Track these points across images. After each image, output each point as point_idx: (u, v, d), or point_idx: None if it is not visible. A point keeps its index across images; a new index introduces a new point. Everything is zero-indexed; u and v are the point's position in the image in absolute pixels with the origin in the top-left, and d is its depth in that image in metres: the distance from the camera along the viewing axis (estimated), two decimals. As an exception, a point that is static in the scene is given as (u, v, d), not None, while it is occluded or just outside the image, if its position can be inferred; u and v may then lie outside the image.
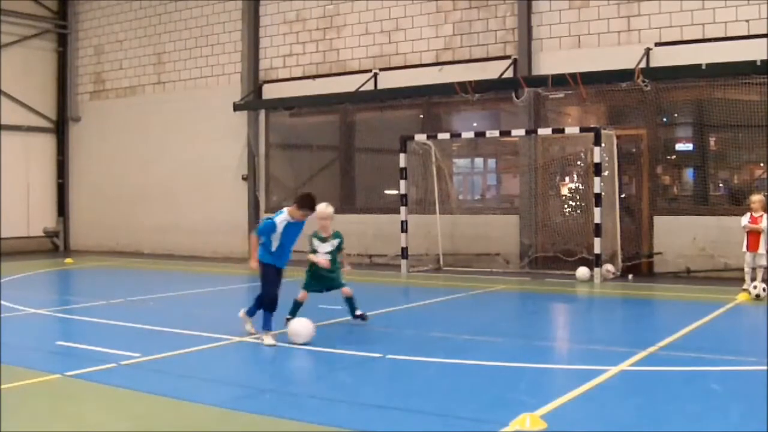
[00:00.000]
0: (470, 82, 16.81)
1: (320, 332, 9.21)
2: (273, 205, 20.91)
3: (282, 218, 8.66)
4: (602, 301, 13.19)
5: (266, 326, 8.62)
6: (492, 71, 16.92)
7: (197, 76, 22.06)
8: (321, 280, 9.53)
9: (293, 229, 8.72)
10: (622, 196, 15.96)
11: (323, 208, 9.43)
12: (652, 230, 15.70)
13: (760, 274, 12.48)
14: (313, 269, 9.51)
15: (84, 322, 10.61)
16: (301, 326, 8.56)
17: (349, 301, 9.65)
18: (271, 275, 8.74)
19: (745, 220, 12.58)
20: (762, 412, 5.79)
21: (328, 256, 9.42)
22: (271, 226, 8.63)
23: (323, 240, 9.51)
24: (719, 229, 14.72)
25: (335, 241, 9.53)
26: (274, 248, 8.65)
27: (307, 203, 8.79)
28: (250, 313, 9.10)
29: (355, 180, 19.72)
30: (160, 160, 22.60)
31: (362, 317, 9.63)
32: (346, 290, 9.59)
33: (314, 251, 9.46)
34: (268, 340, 8.50)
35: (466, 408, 6.11)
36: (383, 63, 18.81)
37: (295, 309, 9.50)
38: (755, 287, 11.82)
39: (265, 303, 8.71)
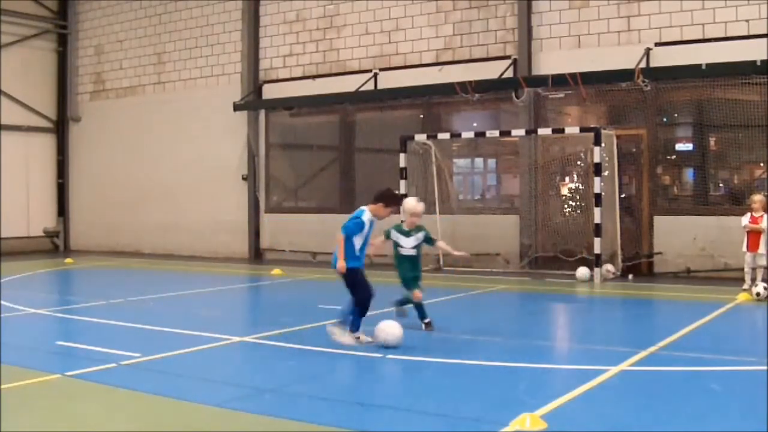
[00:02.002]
0: (470, 82, 16.81)
1: (320, 332, 9.21)
2: (273, 205, 20.94)
3: (368, 217, 8.35)
4: (602, 301, 13.18)
5: (355, 327, 8.36)
6: (492, 71, 16.92)
7: (197, 76, 22.06)
8: (411, 274, 9.11)
9: (372, 228, 8.47)
10: (622, 196, 15.96)
11: (414, 203, 9.15)
12: (652, 230, 15.71)
13: (760, 274, 12.48)
14: (400, 263, 9.11)
15: (84, 322, 10.60)
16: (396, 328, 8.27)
17: (418, 307, 9.20)
18: (361, 278, 8.38)
19: (745, 220, 12.59)
20: (762, 412, 5.79)
21: (414, 251, 9.07)
22: (361, 225, 8.31)
23: (407, 234, 9.11)
24: (719, 229, 14.72)
25: (420, 235, 9.10)
26: (357, 249, 8.36)
27: (394, 200, 8.56)
28: (355, 327, 8.45)
29: (355, 180, 19.71)
30: (160, 160, 22.60)
31: (428, 320, 9.20)
32: (417, 294, 9.08)
33: (396, 244, 9.09)
34: (347, 339, 8.28)
35: (466, 408, 6.10)
36: (383, 63, 18.81)
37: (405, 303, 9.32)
38: (756, 286, 11.79)
39: (362, 308, 8.36)
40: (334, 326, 8.56)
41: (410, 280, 9.12)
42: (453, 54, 17.91)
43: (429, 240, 9.18)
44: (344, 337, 8.37)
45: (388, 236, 9.16)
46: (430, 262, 17.31)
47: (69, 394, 6.69)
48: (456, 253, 9.50)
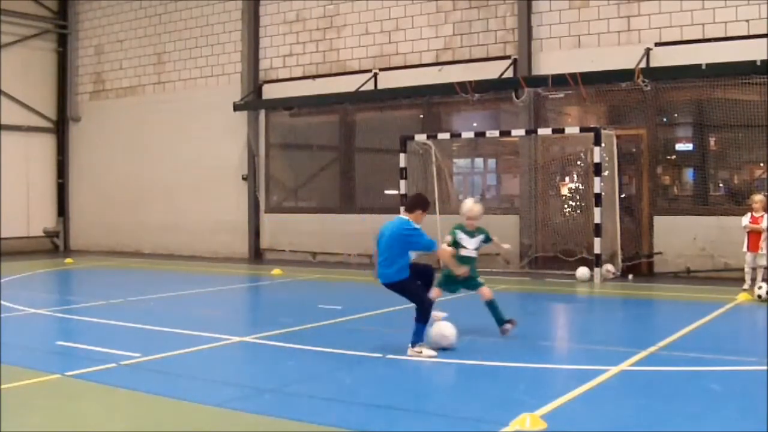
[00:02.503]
0: (470, 82, 16.81)
1: (320, 332, 9.23)
2: (273, 205, 20.94)
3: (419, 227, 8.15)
4: (602, 301, 13.19)
5: (420, 338, 7.98)
6: (492, 71, 16.92)
7: (197, 76, 22.06)
8: (457, 279, 8.87)
9: None
10: (622, 196, 15.95)
11: (471, 205, 8.97)
12: (652, 230, 15.70)
13: (760, 274, 12.48)
14: (460, 257, 8.85)
15: (84, 322, 10.61)
16: (449, 329, 8.17)
17: (491, 307, 8.89)
18: (416, 286, 8.13)
19: (745, 220, 12.59)
20: (762, 412, 5.79)
21: (475, 253, 8.92)
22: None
23: (471, 235, 8.89)
24: (719, 229, 14.72)
25: (481, 236, 8.94)
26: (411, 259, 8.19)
27: (428, 204, 8.50)
28: (420, 338, 8.04)
29: (355, 180, 19.71)
30: (160, 160, 22.60)
31: (508, 325, 8.89)
32: (486, 291, 8.87)
33: (457, 245, 8.83)
34: (428, 351, 7.88)
35: (467, 408, 6.11)
36: (383, 63, 18.81)
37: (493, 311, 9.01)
38: (760, 287, 11.77)
39: (426, 316, 8.02)
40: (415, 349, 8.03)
41: (465, 280, 8.86)
42: (453, 54, 17.91)
43: (488, 240, 9.06)
44: (424, 351, 7.95)
45: (454, 239, 8.88)
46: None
47: (69, 394, 6.69)
48: (504, 246, 9.46)
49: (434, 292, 8.59)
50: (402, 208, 16.41)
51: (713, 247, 14.85)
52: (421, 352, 7.84)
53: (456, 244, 8.86)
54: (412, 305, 8.14)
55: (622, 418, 5.87)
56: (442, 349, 8.02)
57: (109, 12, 23.95)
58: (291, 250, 20.11)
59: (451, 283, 8.96)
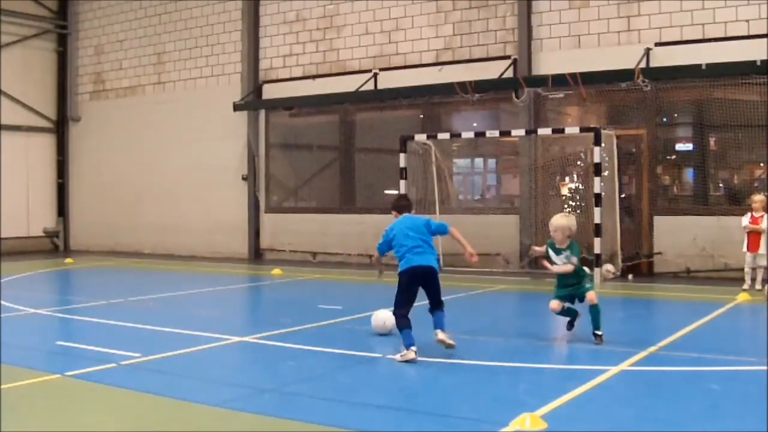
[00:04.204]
0: (470, 82, 16.81)
1: (320, 332, 9.23)
2: (273, 205, 20.95)
3: None
4: (602, 301, 13.06)
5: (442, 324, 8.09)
6: (492, 71, 16.92)
7: (197, 76, 22.07)
8: (565, 288, 8.72)
9: None
10: (622, 196, 15.95)
11: (556, 218, 8.78)
12: (652, 230, 15.71)
13: (760, 274, 12.48)
14: (558, 278, 8.76)
15: (84, 322, 10.61)
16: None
17: (592, 310, 8.68)
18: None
19: (745, 220, 12.59)
20: (762, 412, 5.79)
21: (568, 267, 8.58)
22: None
23: (558, 252, 8.66)
24: (719, 229, 14.72)
25: (567, 253, 8.61)
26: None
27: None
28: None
29: (355, 180, 19.72)
30: (160, 160, 22.61)
31: (599, 337, 8.65)
32: (591, 296, 8.65)
33: (552, 262, 8.69)
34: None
35: (466, 408, 6.11)
36: (383, 63, 18.82)
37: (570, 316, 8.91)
38: (761, 288, 11.76)
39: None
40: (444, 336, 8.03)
41: (560, 298, 8.74)
42: (453, 54, 17.91)
43: (576, 254, 8.69)
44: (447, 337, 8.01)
45: (547, 253, 8.77)
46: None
47: (69, 394, 6.69)
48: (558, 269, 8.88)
49: (554, 304, 8.65)
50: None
51: (713, 247, 14.85)
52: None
53: (549, 258, 8.77)
54: (412, 307, 8.11)
55: (622, 418, 5.86)
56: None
57: (109, 12, 23.96)
58: (291, 250, 20.11)
59: (564, 295, 8.77)
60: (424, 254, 8.07)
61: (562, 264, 8.63)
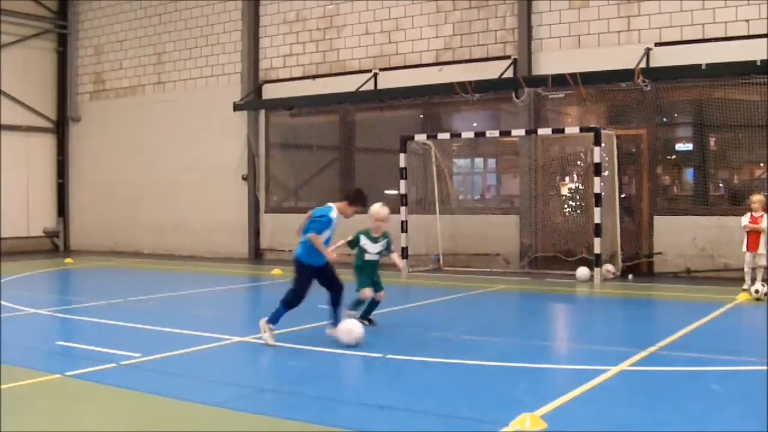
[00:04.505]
0: (470, 82, 16.81)
1: (320, 332, 9.22)
2: (273, 205, 20.95)
3: (335, 215, 8.54)
4: (602, 301, 13.18)
5: (275, 319, 8.56)
6: (492, 71, 16.92)
7: (197, 76, 22.07)
8: (369, 277, 9.44)
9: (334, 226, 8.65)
10: (622, 196, 15.96)
11: (378, 208, 9.37)
12: (652, 230, 15.71)
13: (760, 274, 12.48)
14: (363, 267, 9.45)
15: (84, 322, 10.61)
16: (355, 327, 8.47)
17: (374, 305, 9.52)
18: (306, 275, 8.62)
19: (745, 220, 12.58)
20: (762, 412, 5.79)
21: (377, 257, 9.39)
22: (328, 223, 8.49)
23: (375, 240, 9.40)
24: (719, 229, 14.72)
25: (384, 242, 9.42)
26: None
27: (361, 200, 8.78)
28: (276, 319, 8.70)
29: (355, 180, 19.69)
30: (160, 160, 22.61)
31: (370, 321, 9.46)
32: (381, 295, 9.49)
33: (359, 248, 9.41)
34: (269, 337, 8.46)
35: (466, 408, 6.11)
36: (383, 63, 18.82)
37: (371, 308, 9.53)
38: (757, 291, 11.74)
39: (289, 300, 8.61)
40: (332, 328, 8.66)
41: (370, 285, 9.39)
42: (453, 54, 17.91)
43: (389, 249, 9.45)
44: (267, 334, 8.50)
45: (356, 242, 9.42)
46: (429, 262, 17.32)
47: (69, 394, 6.69)
48: (398, 262, 9.73)
49: (367, 292, 9.27)
50: (402, 208, 16.59)
51: (713, 247, 14.85)
52: (265, 335, 8.39)
53: (355, 245, 9.43)
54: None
55: (622, 418, 5.86)
56: (349, 346, 8.26)
57: (109, 12, 23.95)
58: (291, 250, 20.01)
59: (365, 278, 9.42)
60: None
61: (375, 252, 9.37)
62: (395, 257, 9.58)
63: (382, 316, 10.38)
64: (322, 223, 8.46)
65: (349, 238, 9.48)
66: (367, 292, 9.32)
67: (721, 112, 14.93)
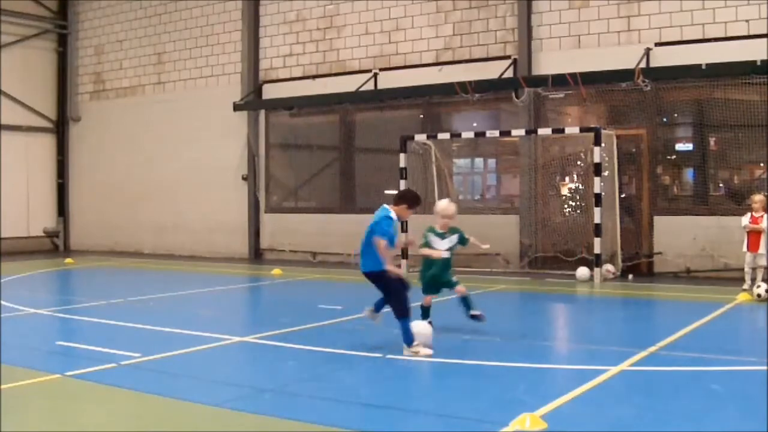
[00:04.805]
0: (470, 82, 16.81)
1: (320, 332, 9.23)
2: (273, 205, 20.95)
3: (394, 216, 8.06)
4: (602, 301, 13.18)
5: (409, 338, 7.91)
6: (492, 71, 16.92)
7: (197, 76, 22.07)
8: (436, 280, 9.03)
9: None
10: (622, 196, 15.95)
11: (446, 205, 8.99)
12: (652, 230, 15.71)
13: (760, 274, 12.47)
14: (427, 271, 9.02)
15: (84, 322, 10.61)
16: (425, 328, 8.22)
17: (465, 301, 9.08)
18: (388, 278, 7.98)
19: (745, 220, 12.58)
20: (762, 412, 5.79)
21: (448, 253, 8.99)
22: (392, 224, 8.01)
23: (441, 236, 8.96)
24: (719, 229, 14.72)
25: (454, 237, 8.98)
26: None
27: (417, 201, 8.36)
28: (410, 338, 7.98)
29: (355, 180, 19.72)
30: (160, 160, 22.61)
31: (479, 317, 8.98)
32: (461, 289, 9.05)
33: (429, 247, 8.93)
34: (425, 350, 7.86)
35: (466, 408, 6.11)
36: (383, 63, 18.82)
37: (467, 306, 9.06)
38: (759, 287, 11.74)
39: (403, 310, 7.92)
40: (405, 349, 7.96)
41: (442, 284, 9.06)
42: (453, 54, 17.91)
43: (463, 240, 9.04)
44: (416, 352, 7.84)
45: (426, 241, 8.98)
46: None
47: (69, 394, 6.69)
48: (483, 246, 9.35)
49: (427, 299, 8.91)
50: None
51: (713, 247, 14.85)
52: (418, 352, 7.83)
53: (427, 245, 8.99)
54: (412, 307, 8.10)
55: (622, 418, 5.86)
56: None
57: (109, 12, 23.95)
58: (291, 250, 20.11)
59: (432, 287, 9.11)
60: (363, 257, 8.08)
61: (444, 249, 8.92)
62: (476, 241, 9.11)
63: (383, 316, 10.38)
64: (388, 225, 7.98)
65: (421, 242, 9.06)
66: (427, 300, 8.98)
67: (721, 112, 14.93)
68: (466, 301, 9.06)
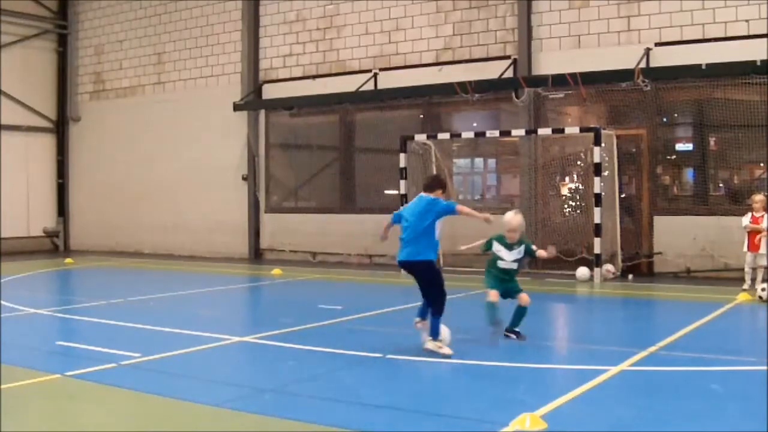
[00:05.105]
0: (470, 82, 16.81)
1: (320, 332, 9.23)
2: (273, 205, 20.94)
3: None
4: (602, 301, 13.18)
5: (436, 332, 7.87)
6: (492, 71, 16.92)
7: (197, 76, 22.07)
8: (501, 282, 8.79)
9: None
10: (622, 196, 15.95)
11: (511, 217, 8.74)
12: (652, 230, 15.70)
13: (760, 275, 12.47)
14: (496, 274, 8.81)
15: (84, 322, 10.61)
16: (447, 332, 8.06)
17: (520, 312, 8.80)
18: (434, 269, 7.98)
19: (746, 220, 12.59)
20: (762, 412, 5.79)
21: (514, 265, 8.74)
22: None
23: (509, 247, 8.74)
24: (719, 229, 14.72)
25: (521, 248, 8.74)
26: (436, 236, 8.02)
27: (446, 184, 8.35)
28: (437, 332, 7.95)
29: (355, 180, 19.71)
30: (160, 160, 22.60)
31: (517, 335, 8.78)
32: (525, 297, 8.78)
33: (496, 255, 8.77)
34: (446, 350, 7.82)
35: (466, 408, 6.11)
36: (383, 63, 18.82)
37: (517, 318, 8.81)
38: (763, 289, 11.73)
39: (439, 305, 7.90)
40: (431, 346, 7.92)
41: (508, 289, 8.83)
42: (453, 54, 17.91)
43: (530, 252, 8.79)
44: (440, 347, 7.82)
45: (489, 247, 8.86)
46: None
47: (69, 394, 6.69)
48: (550, 251, 9.02)
49: (492, 293, 8.63)
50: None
51: (713, 247, 14.85)
52: (440, 347, 7.79)
53: (488, 248, 8.84)
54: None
55: (622, 418, 5.87)
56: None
57: (109, 12, 23.95)
58: (291, 250, 20.11)
59: (496, 281, 8.80)
60: (405, 247, 7.97)
61: (511, 260, 8.73)
62: (543, 253, 8.79)
63: (382, 315, 10.40)
64: (444, 206, 7.95)
65: (482, 241, 8.99)
66: (492, 294, 8.71)
67: (721, 112, 14.92)
68: (519, 314, 8.80)
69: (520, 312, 8.80)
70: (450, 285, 8.29)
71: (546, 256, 8.88)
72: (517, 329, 8.79)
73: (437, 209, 7.94)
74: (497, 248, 8.79)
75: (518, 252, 8.74)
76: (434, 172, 17.56)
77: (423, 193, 8.21)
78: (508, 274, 8.79)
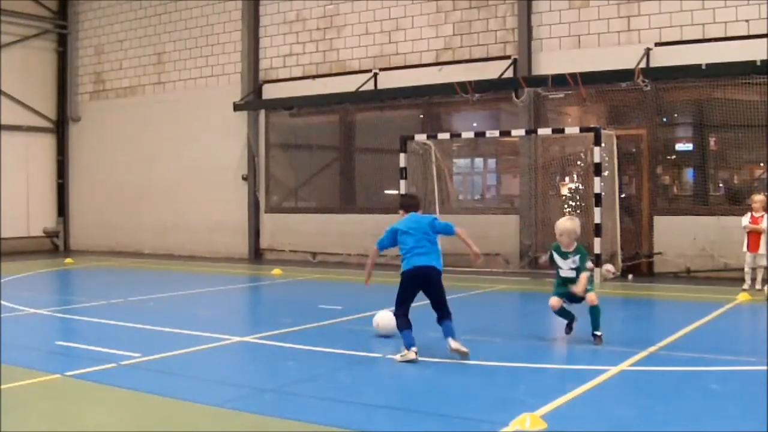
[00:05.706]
0: (470, 82, 16.81)
1: (320, 332, 9.22)
2: (273, 205, 20.95)
3: None
4: (602, 301, 13.07)
5: (451, 332, 7.85)
6: (492, 71, 16.92)
7: (197, 76, 22.07)
8: (564, 287, 8.63)
9: None
10: (622, 196, 15.95)
11: (562, 221, 8.62)
12: (652, 230, 15.71)
13: (760, 275, 12.48)
14: (560, 284, 8.65)
15: (84, 322, 10.61)
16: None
17: (591, 312, 8.58)
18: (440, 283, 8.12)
19: (745, 220, 12.59)
20: (762, 412, 5.79)
21: (572, 273, 8.49)
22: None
23: (564, 256, 8.53)
24: (719, 229, 14.72)
25: (576, 258, 8.49)
26: None
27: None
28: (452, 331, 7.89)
29: (355, 180, 19.72)
30: (160, 160, 22.61)
31: (595, 338, 8.56)
32: (592, 296, 8.52)
33: (557, 265, 8.61)
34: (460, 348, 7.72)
35: (466, 408, 6.11)
36: (383, 63, 18.82)
37: (594, 317, 8.61)
38: (762, 287, 11.73)
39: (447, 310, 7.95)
40: (457, 345, 7.81)
41: (573, 297, 8.67)
42: (453, 54, 17.91)
43: (582, 265, 8.53)
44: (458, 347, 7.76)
45: (552, 259, 8.68)
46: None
47: (69, 394, 6.69)
48: (606, 276, 8.93)
49: (553, 301, 8.56)
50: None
51: (713, 247, 14.85)
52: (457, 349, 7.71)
53: (552, 260, 8.71)
54: (412, 307, 8.09)
55: (622, 418, 5.86)
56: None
57: (109, 12, 23.95)
58: (291, 250, 20.11)
59: (559, 287, 8.70)
60: (426, 255, 7.98)
61: (568, 269, 8.53)
62: (582, 279, 8.45)
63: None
64: (443, 226, 8.12)
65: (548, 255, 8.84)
66: (552, 303, 8.60)
67: (721, 112, 14.93)
68: (591, 314, 8.64)
69: (592, 312, 8.63)
70: (451, 285, 8.30)
71: (584, 283, 8.51)
72: (597, 332, 8.58)
73: (437, 230, 8.10)
74: (555, 257, 8.64)
75: (573, 262, 8.52)
76: (434, 172, 17.59)
77: (414, 212, 8.27)
78: (571, 281, 8.60)
